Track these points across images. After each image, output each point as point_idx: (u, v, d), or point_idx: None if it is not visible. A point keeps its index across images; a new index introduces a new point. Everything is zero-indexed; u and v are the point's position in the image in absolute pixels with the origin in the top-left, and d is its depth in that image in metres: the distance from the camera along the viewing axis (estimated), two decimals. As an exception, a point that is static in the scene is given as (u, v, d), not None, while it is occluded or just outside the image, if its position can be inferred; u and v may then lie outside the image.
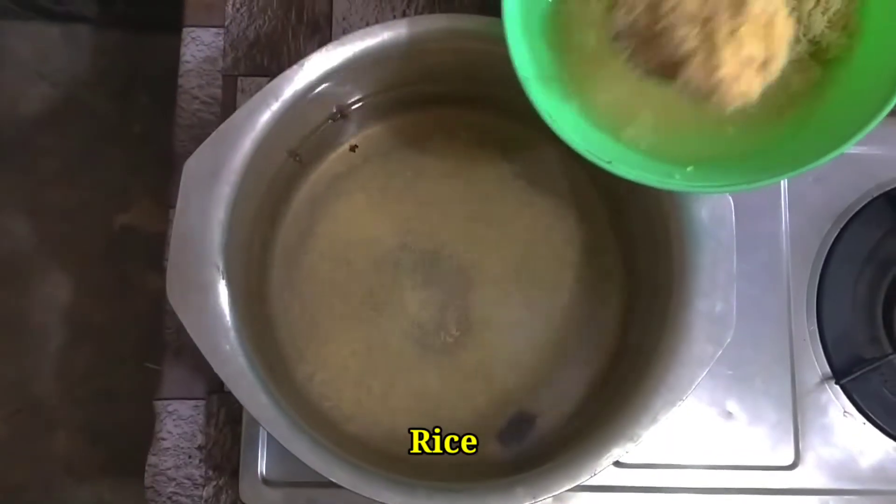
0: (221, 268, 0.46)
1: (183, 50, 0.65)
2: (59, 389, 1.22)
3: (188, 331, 0.45)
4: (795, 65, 0.47)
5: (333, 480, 0.44)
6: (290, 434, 0.44)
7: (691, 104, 0.44)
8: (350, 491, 0.45)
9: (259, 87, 0.48)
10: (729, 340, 0.47)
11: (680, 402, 0.46)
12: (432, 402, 0.55)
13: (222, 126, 0.47)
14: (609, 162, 0.44)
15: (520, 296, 0.57)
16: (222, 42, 0.65)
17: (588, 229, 0.58)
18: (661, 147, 0.47)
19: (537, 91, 0.45)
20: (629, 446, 0.45)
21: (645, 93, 0.47)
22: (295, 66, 0.48)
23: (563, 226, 0.58)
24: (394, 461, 0.52)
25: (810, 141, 0.45)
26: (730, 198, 0.48)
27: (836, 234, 0.62)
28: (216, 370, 0.44)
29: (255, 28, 0.65)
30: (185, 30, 0.65)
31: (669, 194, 0.49)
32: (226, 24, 0.65)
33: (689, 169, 0.46)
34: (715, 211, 0.48)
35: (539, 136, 0.58)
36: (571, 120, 0.47)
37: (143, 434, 0.61)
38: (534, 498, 0.44)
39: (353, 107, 0.56)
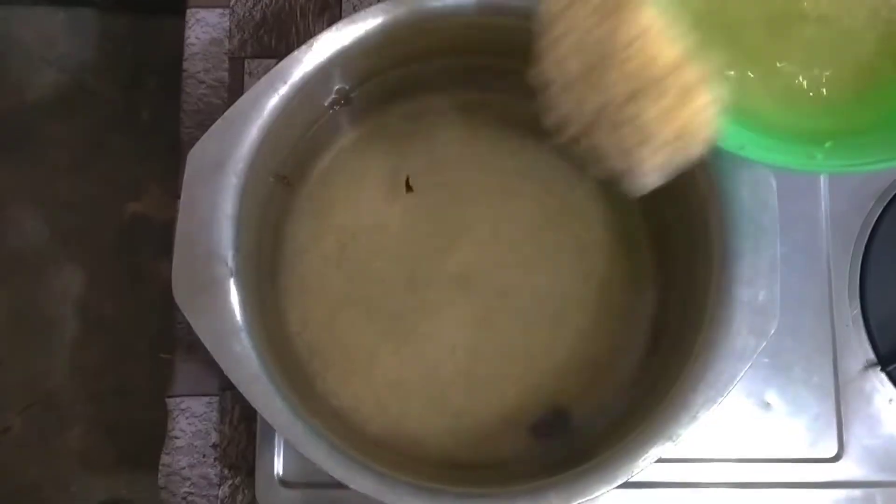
0: (230, 264, 0.44)
1: (187, 32, 0.63)
2: (72, 384, 1.22)
3: (197, 332, 0.43)
4: None
5: (354, 488, 0.42)
6: (307, 439, 0.43)
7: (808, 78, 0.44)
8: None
9: (267, 70, 0.47)
10: (773, 332, 0.45)
11: (721, 399, 0.44)
12: (459, 399, 0.54)
13: (227, 113, 0.45)
14: (742, 147, 0.42)
15: (550, 289, 0.55)
16: (228, 23, 0.63)
17: (619, 217, 0.56)
18: (788, 126, 0.45)
19: None
20: (668, 446, 0.43)
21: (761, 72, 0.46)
22: (303, 47, 0.46)
23: (593, 213, 0.56)
24: (417, 462, 0.51)
25: None
26: (772, 180, 0.46)
27: (878, 214, 0.59)
28: (227, 373, 0.43)
29: (262, 7, 0.63)
30: (188, 11, 0.63)
31: (706, 178, 0.46)
32: (231, 4, 0.63)
33: (827, 145, 0.43)
34: (756, 194, 0.45)
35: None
36: None
37: (157, 428, 0.60)
38: (567, 503, 0.42)
39: (360, 89, 0.54)
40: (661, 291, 0.54)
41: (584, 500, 0.43)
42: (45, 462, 1.20)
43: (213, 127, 0.45)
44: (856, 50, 0.46)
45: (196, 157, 0.45)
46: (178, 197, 0.59)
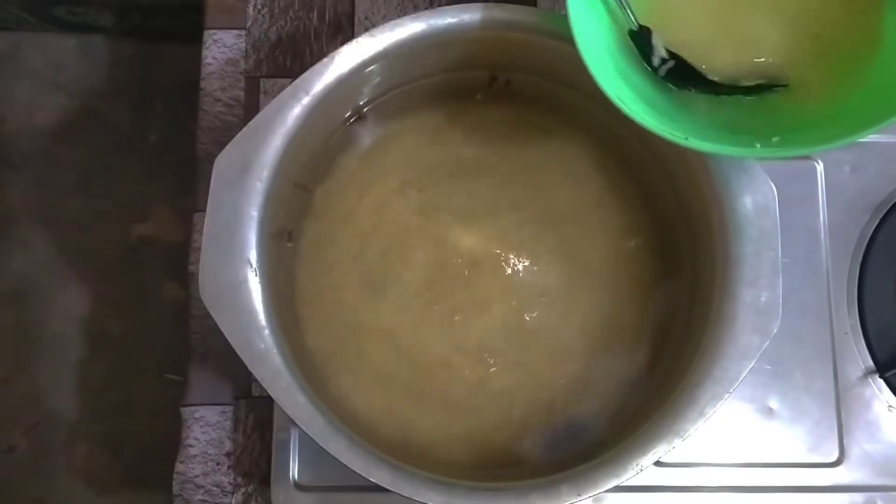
0: (254, 265, 0.45)
1: (204, 52, 0.64)
2: (78, 402, 1.22)
3: (221, 329, 0.44)
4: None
5: (372, 480, 0.43)
6: (328, 433, 0.43)
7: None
8: (385, 495, 0.44)
9: (282, 89, 0.48)
10: (775, 331, 0.46)
11: (727, 396, 0.44)
12: (470, 407, 0.54)
13: (253, 121, 0.46)
14: (685, 138, 0.43)
15: (559, 296, 0.55)
16: (244, 44, 0.65)
17: (625, 223, 0.56)
18: (740, 122, 0.47)
19: (603, 75, 0.44)
20: (676, 442, 0.44)
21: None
22: (325, 60, 0.47)
23: (599, 219, 0.56)
24: (430, 464, 0.50)
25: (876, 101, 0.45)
26: (773, 185, 0.47)
27: (875, 225, 0.61)
28: (251, 369, 0.43)
29: (277, 29, 0.64)
30: (206, 32, 0.65)
31: (709, 183, 0.48)
32: (247, 25, 0.65)
33: (774, 139, 0.45)
34: (757, 199, 0.47)
35: (571, 127, 0.57)
36: (639, 103, 0.46)
37: (163, 445, 0.60)
38: (578, 496, 0.43)
39: (378, 100, 0.55)
40: (667, 293, 0.55)
41: (594, 492, 0.43)
42: (50, 481, 1.20)
43: (239, 135, 0.46)
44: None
45: (222, 163, 0.46)
46: (193, 211, 0.61)
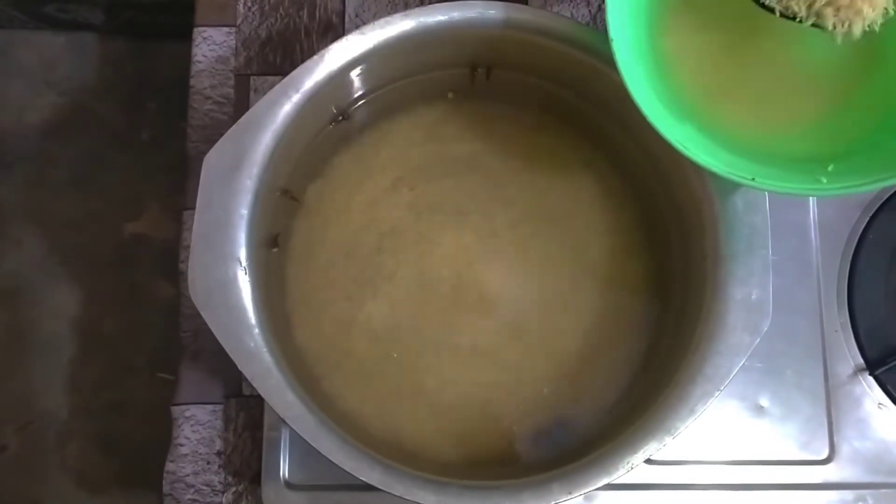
0: (244, 263, 0.45)
1: (194, 50, 0.64)
2: (70, 401, 1.21)
3: (211, 327, 0.44)
4: None
5: (363, 479, 0.43)
6: (318, 432, 0.43)
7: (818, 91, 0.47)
8: (377, 494, 0.44)
9: (272, 86, 0.47)
10: (766, 329, 0.46)
11: (718, 393, 0.45)
12: (462, 407, 0.54)
13: (243, 118, 0.46)
14: (752, 179, 0.43)
15: (551, 296, 0.55)
16: (234, 41, 0.64)
17: (616, 221, 0.56)
18: (793, 148, 0.47)
19: (667, 123, 0.44)
20: (667, 439, 0.44)
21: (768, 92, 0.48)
22: (315, 57, 0.47)
23: (591, 217, 0.56)
24: (421, 463, 0.51)
25: None
26: (763, 183, 0.47)
27: (865, 223, 0.61)
28: (241, 368, 0.43)
29: (268, 27, 0.64)
30: (196, 29, 0.64)
31: (700, 181, 0.48)
32: (237, 23, 0.64)
33: (830, 168, 0.44)
34: (748, 197, 0.47)
35: (563, 124, 0.57)
36: (702, 144, 0.46)
37: (156, 444, 0.60)
38: (570, 494, 0.43)
39: (368, 98, 0.55)
40: (659, 291, 0.55)
41: (585, 491, 0.43)
42: (42, 481, 1.19)
43: (229, 132, 0.46)
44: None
45: (212, 161, 0.45)
46: (183, 210, 0.61)
